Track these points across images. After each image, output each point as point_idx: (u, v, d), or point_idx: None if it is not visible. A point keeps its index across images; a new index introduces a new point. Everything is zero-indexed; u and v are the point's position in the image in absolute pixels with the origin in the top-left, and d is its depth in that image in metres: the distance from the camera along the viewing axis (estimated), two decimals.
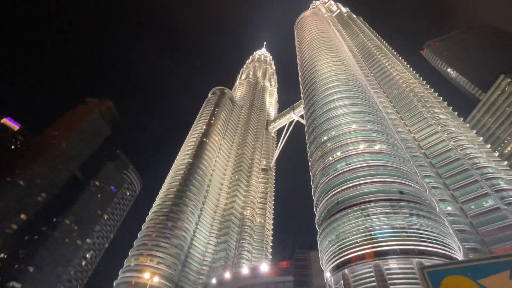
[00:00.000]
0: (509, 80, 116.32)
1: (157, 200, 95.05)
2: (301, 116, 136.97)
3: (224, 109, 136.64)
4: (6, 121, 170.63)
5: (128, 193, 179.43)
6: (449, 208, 60.24)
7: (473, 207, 59.53)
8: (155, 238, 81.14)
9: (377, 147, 59.87)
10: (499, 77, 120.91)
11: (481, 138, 78.00)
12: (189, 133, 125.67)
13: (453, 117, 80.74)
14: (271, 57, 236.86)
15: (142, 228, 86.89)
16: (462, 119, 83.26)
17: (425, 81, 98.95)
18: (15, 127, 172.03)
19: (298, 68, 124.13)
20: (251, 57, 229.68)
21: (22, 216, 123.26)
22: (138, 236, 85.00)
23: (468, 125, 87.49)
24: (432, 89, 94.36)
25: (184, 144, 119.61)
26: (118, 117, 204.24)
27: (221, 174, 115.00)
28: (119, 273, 77.83)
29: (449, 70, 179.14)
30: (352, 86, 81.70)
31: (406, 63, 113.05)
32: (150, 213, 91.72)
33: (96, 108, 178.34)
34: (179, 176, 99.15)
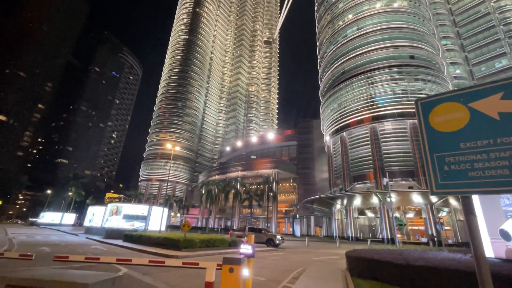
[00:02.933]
0: None
1: (162, 82, 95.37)
2: None
3: None
4: None
5: (131, 77, 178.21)
6: (457, 71, 59.04)
7: (483, 68, 58.00)
8: (168, 117, 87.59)
9: (396, 4, 51.76)
10: None
11: None
12: (179, 1, 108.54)
13: None
14: None
15: (155, 109, 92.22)
16: None
17: None
18: None
19: None
20: None
21: (40, 105, 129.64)
22: (153, 117, 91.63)
23: None
24: None
25: (176, 17, 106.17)
26: None
27: (222, 50, 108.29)
28: (146, 147, 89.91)
29: None
30: None
31: None
32: (158, 94, 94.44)
33: None
34: (178, 55, 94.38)
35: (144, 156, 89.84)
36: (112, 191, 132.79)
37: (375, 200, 39.33)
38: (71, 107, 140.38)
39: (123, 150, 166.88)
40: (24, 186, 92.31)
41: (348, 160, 47.41)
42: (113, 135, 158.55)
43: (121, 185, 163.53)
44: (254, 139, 78.14)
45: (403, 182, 41.02)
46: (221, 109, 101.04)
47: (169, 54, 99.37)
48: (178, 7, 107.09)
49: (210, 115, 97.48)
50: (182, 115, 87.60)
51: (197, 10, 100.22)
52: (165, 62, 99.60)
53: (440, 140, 2.74)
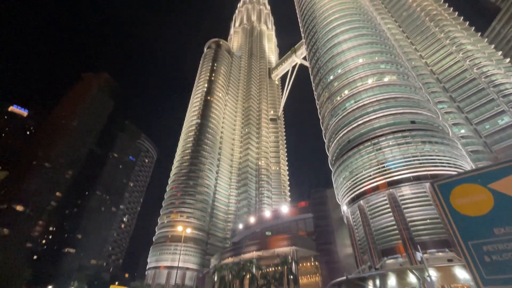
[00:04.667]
0: None
1: (175, 163, 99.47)
2: (304, 58, 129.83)
3: (223, 63, 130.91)
4: (13, 108, 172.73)
5: (146, 160, 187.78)
6: (462, 131, 59.88)
7: (487, 126, 58.82)
8: (180, 196, 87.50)
9: (386, 79, 57.28)
10: None
11: (500, 53, 72.38)
12: (193, 92, 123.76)
13: (469, 33, 74.09)
14: None
15: (167, 190, 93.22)
16: (479, 34, 76.31)
17: None
18: (24, 113, 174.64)
19: (295, 3, 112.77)
20: (242, 0, 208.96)
21: (58, 194, 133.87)
22: (165, 197, 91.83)
23: (486, 39, 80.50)
24: (446, 4, 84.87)
25: (189, 105, 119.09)
26: (118, 88, 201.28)
27: (231, 129, 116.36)
28: (156, 230, 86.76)
29: None
30: (355, 15, 74.47)
31: None
32: (171, 175, 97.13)
33: (94, 83, 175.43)
34: (191, 137, 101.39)
35: (153, 240, 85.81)
36: (116, 283, 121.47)
37: (412, 279, 34.03)
38: (86, 192, 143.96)
39: (133, 234, 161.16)
40: (25, 282, 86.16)
41: (371, 232, 43.55)
42: (124, 219, 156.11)
43: (127, 275, 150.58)
44: (267, 214, 74.96)
45: (440, 254, 36.26)
46: (232, 185, 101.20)
47: (182, 136, 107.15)
48: (191, 97, 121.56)
49: (222, 191, 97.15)
50: (193, 193, 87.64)
51: (208, 98, 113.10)
52: (178, 144, 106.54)
53: (470, 225, 2.52)
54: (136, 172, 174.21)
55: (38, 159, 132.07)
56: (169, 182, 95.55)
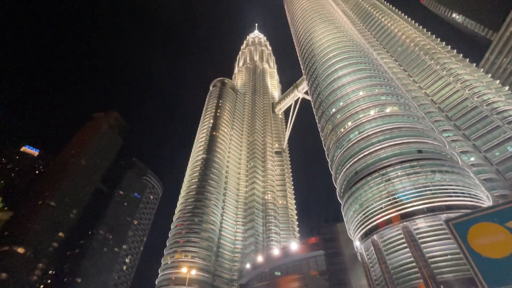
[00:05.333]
0: None
1: (180, 199, 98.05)
2: (306, 93, 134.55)
3: (228, 100, 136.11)
4: (26, 149, 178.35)
5: (151, 197, 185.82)
6: (472, 159, 58.62)
7: (497, 153, 57.62)
8: (185, 234, 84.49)
9: (388, 110, 58.26)
10: (510, 13, 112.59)
11: (498, 81, 73.98)
12: (198, 128, 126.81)
13: (464, 65, 76.70)
14: (265, 38, 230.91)
15: (172, 227, 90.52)
16: (474, 64, 78.94)
17: (429, 32, 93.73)
18: (35, 153, 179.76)
19: (295, 44, 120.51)
20: (245, 42, 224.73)
21: (60, 234, 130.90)
22: (169, 235, 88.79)
23: (482, 69, 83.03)
24: (439, 39, 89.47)
25: (195, 140, 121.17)
26: (127, 125, 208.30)
27: (237, 164, 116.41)
28: (159, 272, 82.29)
29: (454, 15, 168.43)
30: (353, 52, 78.76)
31: (406, 16, 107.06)
32: (176, 211, 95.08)
33: (104, 122, 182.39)
34: (196, 172, 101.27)
35: (156, 283, 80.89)
36: None
37: None
38: (89, 232, 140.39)
39: (134, 277, 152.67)
40: None
41: (388, 270, 40.47)
42: (126, 260, 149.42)
43: None
44: (276, 252, 71.10)
45: None
46: (238, 221, 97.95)
47: (188, 172, 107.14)
48: (197, 133, 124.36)
49: (228, 227, 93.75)
50: (199, 231, 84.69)
51: (214, 133, 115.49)
52: (184, 180, 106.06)
53: (493, 268, 2.35)
54: (140, 209, 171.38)
55: (44, 198, 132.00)
56: (173, 219, 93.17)
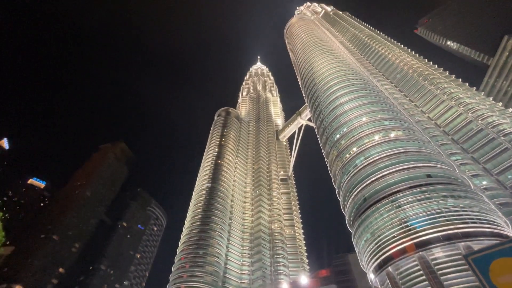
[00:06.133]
0: None
1: (185, 230, 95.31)
2: (309, 120, 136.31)
3: (232, 128, 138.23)
4: (33, 181, 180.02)
5: (155, 228, 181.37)
6: (484, 182, 56.77)
7: (510, 176, 55.90)
8: (189, 268, 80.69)
9: (392, 134, 58.21)
10: (503, 38, 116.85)
11: (500, 104, 74.36)
12: (203, 157, 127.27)
13: (465, 88, 77.81)
14: (267, 69, 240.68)
15: (175, 261, 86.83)
16: (474, 88, 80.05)
17: (426, 59, 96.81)
18: (41, 185, 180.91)
19: (296, 74, 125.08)
20: (248, 73, 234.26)
21: (60, 269, 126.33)
22: (172, 270, 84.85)
23: (482, 93, 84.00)
24: (436, 65, 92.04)
25: (200, 169, 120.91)
26: (133, 156, 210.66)
27: (242, 192, 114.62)
28: None
29: (448, 43, 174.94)
30: (353, 79, 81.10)
31: (402, 45, 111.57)
32: (180, 244, 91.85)
33: (110, 153, 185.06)
34: (201, 202, 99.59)
35: None
36: None
37: None
38: (90, 267, 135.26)
39: None
40: None
41: None
42: None
43: None
44: (285, 286, 66.89)
45: None
46: (244, 253, 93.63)
47: (192, 201, 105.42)
48: (202, 162, 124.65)
49: (234, 261, 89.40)
50: (203, 264, 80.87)
51: (219, 161, 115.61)
52: (188, 210, 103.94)
53: None
54: (144, 241, 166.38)
55: (47, 231, 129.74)
56: (177, 252, 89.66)
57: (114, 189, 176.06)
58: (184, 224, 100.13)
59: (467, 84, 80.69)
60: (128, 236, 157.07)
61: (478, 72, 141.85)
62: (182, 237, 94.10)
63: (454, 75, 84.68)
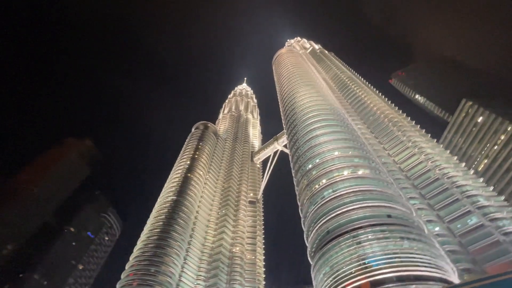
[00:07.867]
0: (470, 103, 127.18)
1: (139, 243, 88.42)
2: (285, 146, 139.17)
3: (208, 143, 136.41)
4: None
5: (107, 238, 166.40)
6: (437, 228, 60.43)
7: (459, 226, 60.12)
8: (136, 286, 73.86)
9: (360, 172, 61.01)
10: (462, 101, 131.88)
11: (456, 158, 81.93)
12: (173, 169, 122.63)
13: (427, 139, 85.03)
14: (252, 91, 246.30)
15: (122, 276, 79.15)
16: (435, 140, 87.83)
17: (397, 107, 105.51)
18: None
19: (279, 101, 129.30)
20: (232, 92, 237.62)
21: None
22: (117, 287, 76.96)
23: (441, 145, 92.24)
24: (405, 114, 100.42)
25: (167, 181, 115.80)
26: (99, 156, 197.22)
27: (208, 210, 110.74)
28: None
29: (417, 96, 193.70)
30: (330, 115, 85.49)
31: (377, 91, 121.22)
32: (131, 258, 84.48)
33: (73, 148, 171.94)
34: (162, 215, 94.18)
35: None
36: None
37: None
38: (20, 275, 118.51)
39: None
40: None
41: None
42: None
43: None
44: None
45: None
46: (200, 275, 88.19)
47: (153, 213, 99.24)
48: (171, 173, 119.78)
49: (186, 282, 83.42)
50: (153, 283, 74.47)
51: (189, 174, 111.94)
52: (147, 222, 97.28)
53: None
54: (90, 251, 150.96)
55: None
56: (126, 267, 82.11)
57: (68, 188, 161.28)
58: (139, 237, 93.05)
59: (429, 135, 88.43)
60: (74, 244, 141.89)
61: (439, 126, 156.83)
62: (134, 251, 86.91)
63: (419, 125, 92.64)
